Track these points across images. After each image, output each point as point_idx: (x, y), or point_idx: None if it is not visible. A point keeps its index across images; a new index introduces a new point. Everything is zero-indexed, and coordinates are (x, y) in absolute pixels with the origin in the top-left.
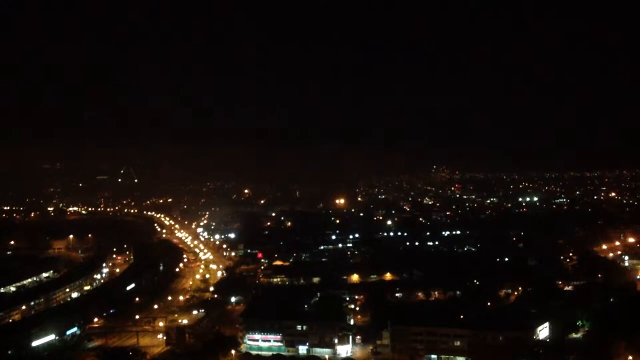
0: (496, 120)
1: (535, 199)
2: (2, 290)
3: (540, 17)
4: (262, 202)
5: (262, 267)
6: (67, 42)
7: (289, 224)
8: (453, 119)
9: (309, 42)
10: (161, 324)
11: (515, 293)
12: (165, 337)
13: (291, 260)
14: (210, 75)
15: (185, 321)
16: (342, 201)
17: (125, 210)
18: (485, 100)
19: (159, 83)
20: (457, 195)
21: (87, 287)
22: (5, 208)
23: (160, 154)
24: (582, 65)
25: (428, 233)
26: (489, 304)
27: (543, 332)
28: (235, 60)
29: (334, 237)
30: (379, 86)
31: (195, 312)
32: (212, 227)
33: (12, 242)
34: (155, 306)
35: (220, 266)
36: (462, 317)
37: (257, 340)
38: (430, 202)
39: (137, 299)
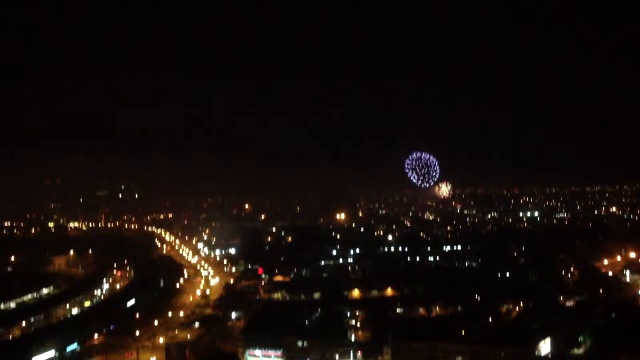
0: (496, 134)
1: (536, 213)
2: (2, 307)
3: (536, 23)
4: (263, 217)
5: (263, 283)
6: (66, 54)
7: (290, 239)
8: (453, 132)
9: (310, 54)
10: (161, 340)
11: (517, 308)
12: (165, 354)
13: (292, 275)
14: (210, 89)
15: (186, 337)
16: (342, 216)
17: (126, 226)
18: (485, 113)
19: (158, 98)
20: (458, 211)
21: (87, 303)
22: (5, 224)
23: (161, 170)
24: (583, 77)
25: (429, 248)
26: (490, 319)
27: (544, 347)
28: (235, 73)
29: (334, 252)
30: (379, 100)
31: (195, 328)
32: (213, 243)
33: (12, 258)
34: (156, 322)
35: (221, 282)
36: (463, 332)
37: (258, 357)
38: (431, 218)
39: (137, 315)
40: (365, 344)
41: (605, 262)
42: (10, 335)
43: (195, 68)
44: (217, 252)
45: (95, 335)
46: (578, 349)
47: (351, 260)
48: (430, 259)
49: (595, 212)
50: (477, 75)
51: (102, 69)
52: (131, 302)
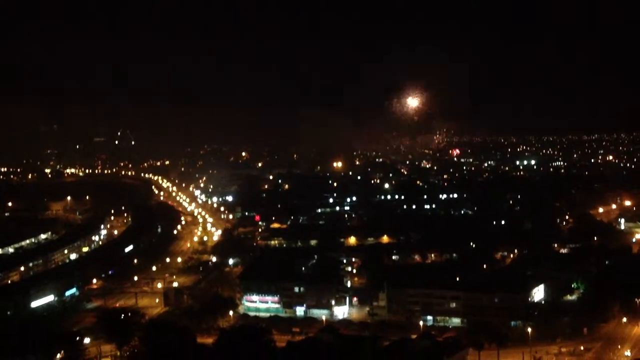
0: (495, 83)
1: (533, 162)
2: (0, 252)
3: None
4: (260, 164)
5: (260, 230)
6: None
7: (287, 186)
8: (452, 80)
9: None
10: (159, 285)
11: (511, 256)
12: (163, 299)
13: (289, 222)
14: (209, 36)
15: (184, 282)
16: (339, 164)
17: (123, 173)
18: (484, 61)
19: (157, 44)
20: (455, 159)
21: (85, 249)
22: (2, 169)
23: (158, 117)
24: (581, 27)
25: (425, 196)
26: (485, 266)
27: (538, 294)
28: (234, 21)
29: (331, 200)
30: (377, 46)
31: (193, 273)
32: (210, 190)
33: (9, 204)
34: (154, 268)
35: (218, 229)
36: (458, 279)
37: (255, 302)
38: (428, 166)
39: (135, 260)
40: (361, 290)
41: (601, 210)
42: (9, 280)
43: (191, 17)
44: (214, 199)
45: (94, 280)
46: (571, 296)
47: (348, 208)
48: (427, 206)
49: (592, 161)
50: (474, 23)
51: (99, 16)
52: (129, 248)
